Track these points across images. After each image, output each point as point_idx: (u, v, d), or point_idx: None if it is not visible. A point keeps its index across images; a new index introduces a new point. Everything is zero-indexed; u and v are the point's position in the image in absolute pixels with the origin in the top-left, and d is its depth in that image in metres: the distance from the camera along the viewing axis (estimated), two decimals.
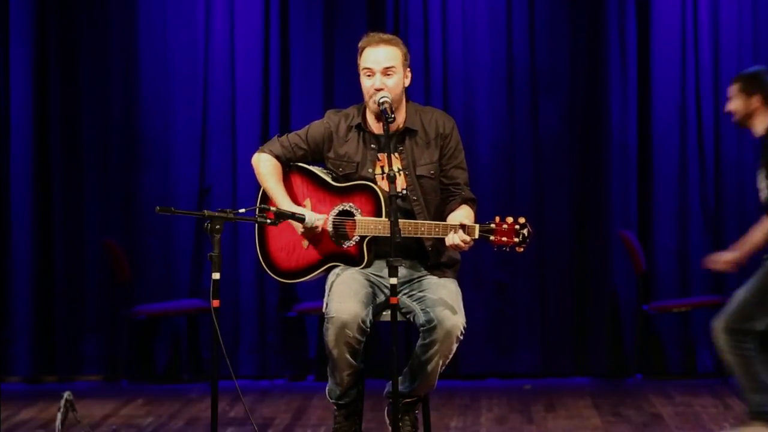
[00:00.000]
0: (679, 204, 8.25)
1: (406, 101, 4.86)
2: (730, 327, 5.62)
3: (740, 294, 5.66)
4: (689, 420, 6.39)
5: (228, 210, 4.62)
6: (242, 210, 4.76)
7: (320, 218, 4.76)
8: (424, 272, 4.78)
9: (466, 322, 4.67)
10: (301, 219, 4.72)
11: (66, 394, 5.49)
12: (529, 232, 4.52)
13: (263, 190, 4.90)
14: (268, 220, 4.71)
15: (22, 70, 8.30)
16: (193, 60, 8.38)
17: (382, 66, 4.72)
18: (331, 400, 4.82)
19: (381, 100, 4.66)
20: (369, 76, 4.73)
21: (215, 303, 4.52)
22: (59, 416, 5.42)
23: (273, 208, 4.72)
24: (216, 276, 4.52)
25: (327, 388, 4.82)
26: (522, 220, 4.51)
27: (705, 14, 8.20)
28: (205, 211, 4.60)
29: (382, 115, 4.64)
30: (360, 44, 4.80)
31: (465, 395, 7.47)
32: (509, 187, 8.28)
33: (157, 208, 4.61)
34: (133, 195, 8.37)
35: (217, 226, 4.53)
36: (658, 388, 7.68)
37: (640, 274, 8.03)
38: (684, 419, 6.41)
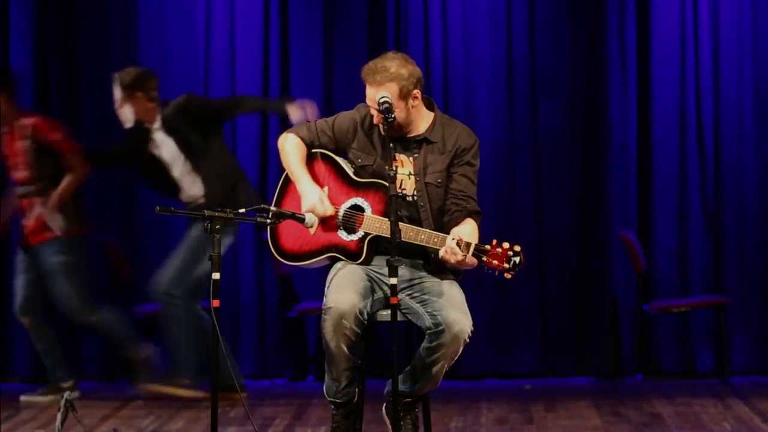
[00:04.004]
0: (679, 204, 8.25)
1: (432, 110, 4.85)
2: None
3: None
4: (689, 420, 6.38)
5: (228, 210, 4.63)
6: (242, 210, 4.76)
7: (330, 209, 4.76)
8: (425, 274, 4.77)
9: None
10: (300, 219, 4.72)
11: (66, 394, 5.48)
12: (521, 261, 4.47)
13: (285, 172, 4.89)
14: (268, 220, 4.71)
15: (22, 70, 8.29)
16: (193, 60, 8.38)
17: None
18: (328, 398, 4.82)
19: (381, 100, 4.65)
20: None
21: (215, 303, 4.52)
22: (59, 416, 5.41)
23: (272, 208, 4.72)
24: (216, 276, 4.53)
25: (324, 385, 4.81)
26: (517, 248, 4.48)
27: (705, 14, 8.20)
28: (205, 211, 4.59)
29: (382, 114, 4.65)
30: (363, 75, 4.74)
31: (465, 395, 7.47)
32: (509, 187, 8.27)
33: (157, 208, 4.62)
34: (133, 195, 8.37)
35: (217, 226, 4.54)
36: (658, 388, 7.68)
37: (640, 274, 8.03)
38: (684, 419, 6.41)
